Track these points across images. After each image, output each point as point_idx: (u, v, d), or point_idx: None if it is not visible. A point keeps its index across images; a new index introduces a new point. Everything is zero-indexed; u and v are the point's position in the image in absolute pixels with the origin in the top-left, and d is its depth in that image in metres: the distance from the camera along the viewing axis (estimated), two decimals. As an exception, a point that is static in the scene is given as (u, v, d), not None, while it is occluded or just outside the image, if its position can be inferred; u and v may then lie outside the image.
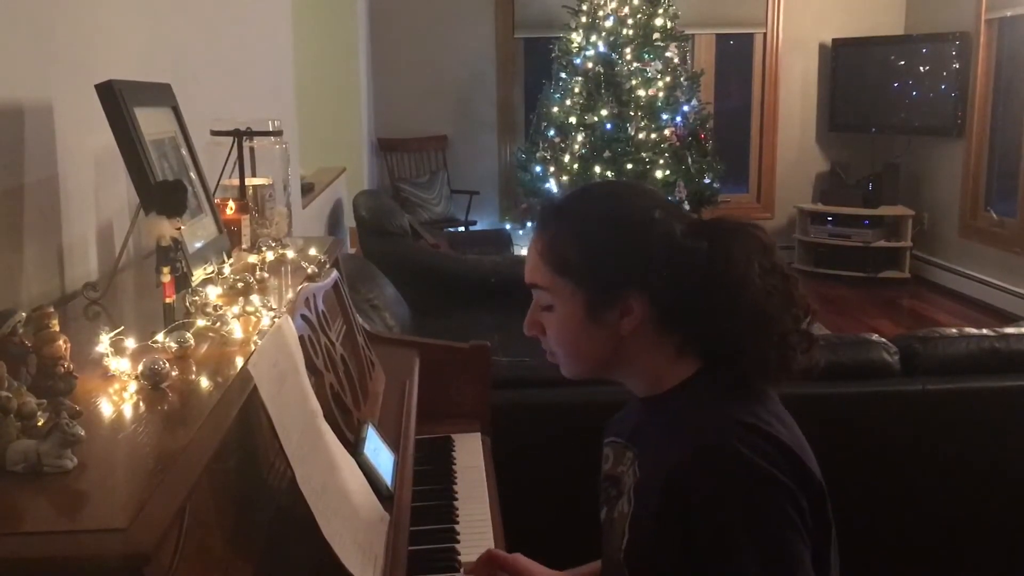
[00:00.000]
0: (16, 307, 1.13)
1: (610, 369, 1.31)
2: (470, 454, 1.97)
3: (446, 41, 7.48)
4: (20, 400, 0.94)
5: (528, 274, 1.30)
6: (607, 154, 6.42)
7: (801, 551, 1.14)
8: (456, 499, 1.76)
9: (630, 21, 6.47)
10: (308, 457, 1.16)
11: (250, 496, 1.12)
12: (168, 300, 1.35)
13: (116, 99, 1.45)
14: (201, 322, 1.33)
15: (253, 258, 1.80)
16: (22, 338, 1.07)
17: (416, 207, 6.96)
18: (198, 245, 1.60)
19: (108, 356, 1.14)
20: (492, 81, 7.60)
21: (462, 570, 1.50)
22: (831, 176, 7.49)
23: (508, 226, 7.15)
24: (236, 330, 1.32)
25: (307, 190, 4.69)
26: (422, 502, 1.67)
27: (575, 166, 6.48)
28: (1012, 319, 5.31)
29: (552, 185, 6.50)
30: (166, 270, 1.34)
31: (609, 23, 6.48)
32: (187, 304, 1.38)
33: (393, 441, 1.57)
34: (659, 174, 6.37)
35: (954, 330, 2.56)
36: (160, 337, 1.23)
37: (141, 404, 1.07)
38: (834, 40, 7.42)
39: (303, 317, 1.45)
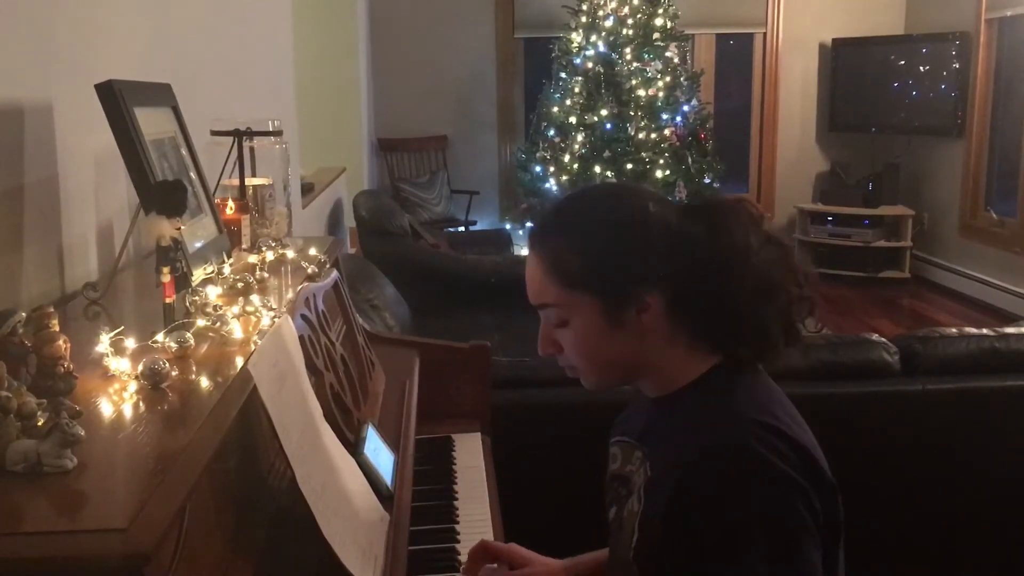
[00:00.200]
0: (16, 307, 1.13)
1: (634, 372, 1.30)
2: (470, 454, 1.97)
3: (446, 41, 7.48)
4: (20, 400, 0.94)
5: (535, 296, 1.28)
6: (607, 154, 6.42)
7: (812, 554, 1.14)
8: (456, 499, 1.76)
9: (630, 21, 6.48)
10: (308, 457, 1.16)
11: (250, 496, 1.12)
12: (168, 300, 1.35)
13: (116, 99, 1.45)
14: (201, 322, 1.33)
15: (253, 258, 1.80)
16: (22, 338, 1.07)
17: (416, 207, 6.96)
18: (198, 245, 1.60)
19: (108, 356, 1.14)
20: (492, 81, 7.60)
21: (462, 570, 1.50)
22: (831, 176, 7.49)
23: (508, 226, 7.15)
24: (236, 330, 1.32)
25: (307, 190, 4.69)
26: (422, 502, 1.67)
27: (575, 166, 6.48)
28: (1012, 319, 5.31)
29: (552, 185, 6.51)
30: (166, 270, 1.34)
31: (609, 23, 6.48)
32: (187, 304, 1.38)
33: (393, 441, 1.57)
34: (659, 174, 6.37)
35: (954, 330, 2.56)
36: (160, 337, 1.23)
37: (141, 404, 1.07)
38: (834, 40, 7.42)
39: (303, 317, 1.45)
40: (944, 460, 2.43)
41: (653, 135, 6.42)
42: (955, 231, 6.80)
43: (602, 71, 6.51)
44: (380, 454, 1.46)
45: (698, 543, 1.14)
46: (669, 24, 6.56)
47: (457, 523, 1.67)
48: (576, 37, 6.61)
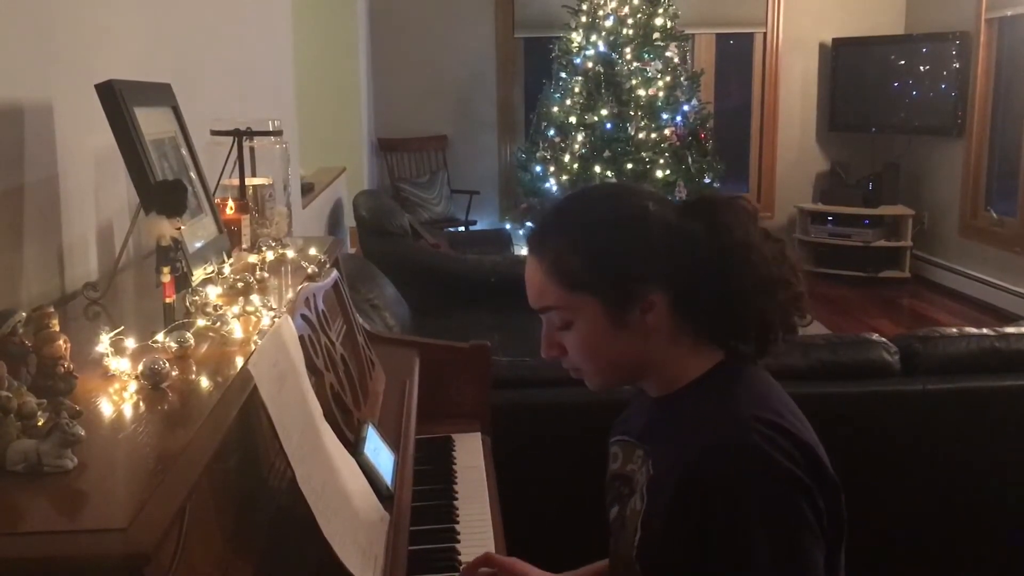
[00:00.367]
0: (16, 307, 1.13)
1: (639, 372, 1.30)
2: (470, 454, 1.97)
3: (446, 41, 7.48)
4: (20, 400, 0.94)
5: (536, 299, 1.28)
6: (607, 154, 6.42)
7: (814, 552, 1.14)
8: (456, 499, 1.76)
9: (630, 21, 6.48)
10: (308, 457, 1.16)
11: (250, 496, 1.12)
12: (168, 300, 1.35)
13: (116, 99, 1.45)
14: (201, 322, 1.33)
15: (253, 258, 1.80)
16: (22, 338, 1.07)
17: (416, 207, 6.96)
18: (198, 245, 1.60)
19: (108, 356, 1.14)
20: (492, 81, 7.60)
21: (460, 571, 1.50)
22: (831, 176, 7.49)
23: (508, 226, 7.15)
24: (236, 330, 1.32)
25: (307, 190, 4.69)
26: (422, 502, 1.67)
27: (575, 166, 6.48)
28: (1012, 318, 5.31)
29: (552, 185, 6.51)
30: (166, 270, 1.34)
31: (609, 23, 6.48)
32: (187, 304, 1.38)
33: (393, 441, 1.57)
34: (659, 174, 6.37)
35: (954, 330, 2.56)
36: (160, 337, 1.23)
37: (141, 404, 1.07)
38: (834, 40, 7.42)
39: (303, 317, 1.45)
40: (944, 460, 2.43)
41: (653, 135, 6.42)
42: (955, 231, 6.80)
43: (602, 71, 6.51)
44: (380, 454, 1.46)
45: (701, 541, 1.14)
46: (669, 24, 6.56)
47: (457, 523, 1.67)
48: (576, 37, 6.61)
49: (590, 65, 6.52)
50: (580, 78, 6.56)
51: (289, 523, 1.13)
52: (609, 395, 1.38)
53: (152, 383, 1.10)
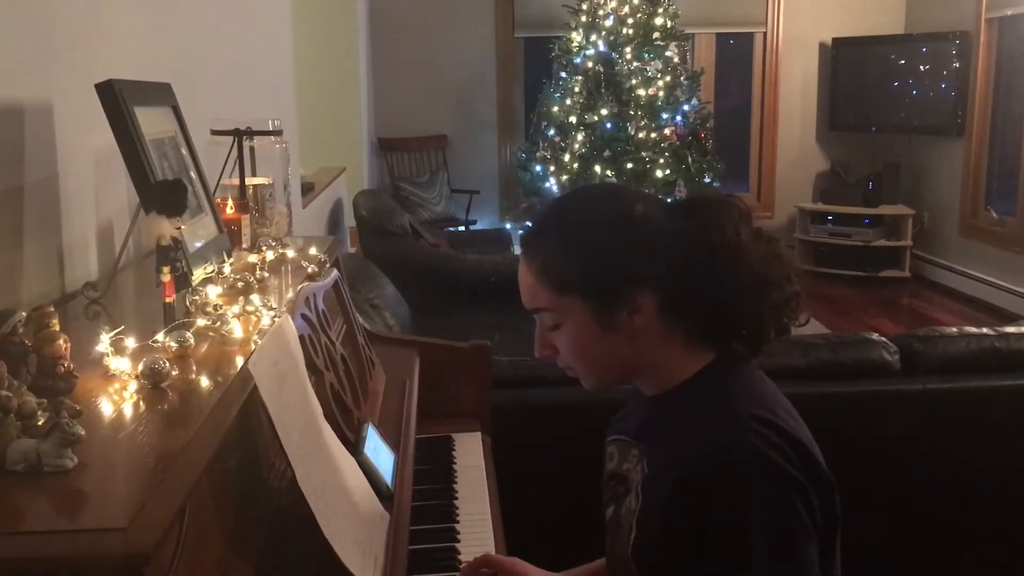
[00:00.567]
0: (16, 307, 1.13)
1: (630, 372, 1.31)
2: (470, 453, 1.97)
3: (446, 41, 7.48)
4: (20, 399, 0.94)
5: (528, 300, 1.29)
6: (607, 153, 6.42)
7: (810, 550, 1.15)
8: (456, 498, 1.76)
9: (630, 20, 6.48)
10: (308, 456, 1.16)
11: (250, 496, 1.12)
12: (168, 300, 1.35)
13: (116, 98, 1.45)
14: (201, 321, 1.33)
15: (253, 257, 1.80)
16: (22, 338, 1.07)
17: (416, 206, 6.96)
18: (198, 244, 1.60)
19: (108, 356, 1.14)
20: (492, 80, 7.61)
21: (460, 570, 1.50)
22: (831, 175, 7.49)
23: (508, 226, 7.15)
24: (236, 329, 1.32)
25: (307, 190, 4.69)
26: (422, 501, 1.67)
27: (575, 165, 6.48)
28: (1012, 318, 5.31)
29: (552, 184, 6.51)
30: (166, 269, 1.34)
31: (609, 22, 6.48)
32: (187, 303, 1.38)
33: (393, 440, 1.57)
34: (659, 173, 6.37)
35: (954, 329, 2.56)
36: (160, 337, 1.23)
37: (141, 404, 1.07)
38: (834, 39, 7.42)
39: (303, 316, 1.45)
40: (944, 459, 2.43)
41: (653, 134, 6.42)
42: (955, 230, 6.80)
43: (602, 70, 6.51)
44: (380, 453, 1.46)
45: (697, 540, 1.14)
46: (669, 23, 6.56)
47: (457, 522, 1.67)
48: (576, 36, 6.61)
49: (590, 65, 6.52)
50: (580, 78, 6.56)
51: (289, 523, 1.13)
52: (609, 394, 1.38)
53: (152, 383, 1.10)
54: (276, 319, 1.33)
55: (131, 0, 2.02)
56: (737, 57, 7.84)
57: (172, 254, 1.35)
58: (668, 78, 6.48)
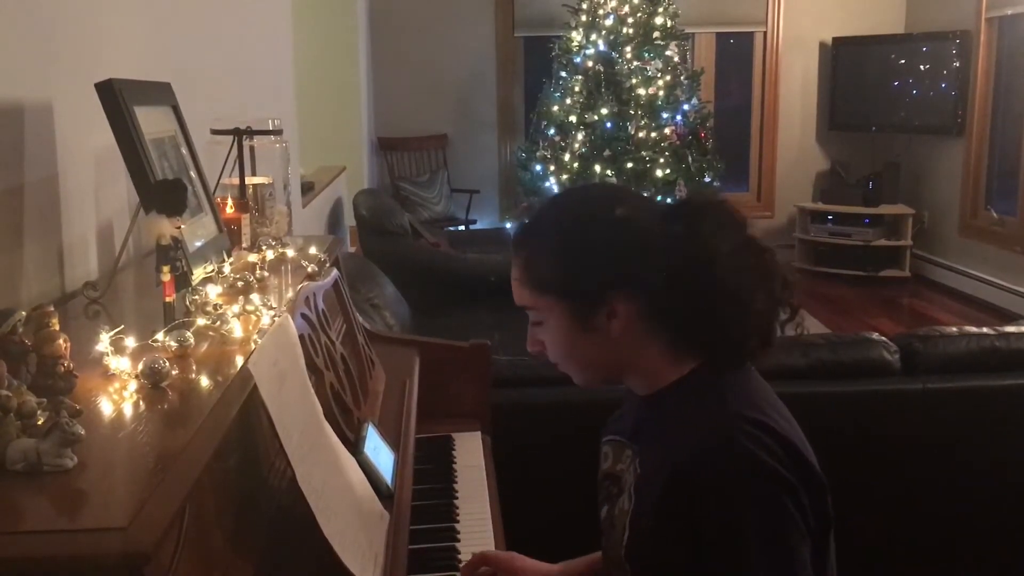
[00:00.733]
0: (16, 306, 1.13)
1: (614, 372, 1.31)
2: (470, 453, 1.97)
3: (446, 40, 7.48)
4: (20, 399, 0.94)
5: (516, 298, 1.32)
6: (607, 153, 6.42)
7: (802, 550, 1.15)
8: (456, 498, 1.76)
9: (630, 20, 6.47)
10: (308, 456, 1.16)
11: (250, 495, 1.12)
12: (168, 299, 1.35)
13: (116, 98, 1.45)
14: (201, 321, 1.33)
15: (253, 257, 1.80)
16: (22, 337, 1.07)
17: (416, 206, 6.96)
18: (198, 244, 1.60)
19: (108, 355, 1.14)
20: (492, 80, 7.60)
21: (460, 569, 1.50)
22: (831, 175, 7.49)
23: (508, 225, 7.13)
24: (236, 329, 1.32)
25: (307, 189, 4.69)
26: (422, 501, 1.67)
27: (575, 165, 6.48)
28: (1012, 318, 5.31)
29: (552, 184, 6.50)
30: (166, 269, 1.34)
31: (609, 22, 6.48)
32: (187, 303, 1.38)
33: (393, 440, 1.57)
34: (659, 173, 6.37)
35: (954, 329, 2.56)
36: (160, 336, 1.23)
37: (141, 403, 1.07)
38: (834, 39, 7.42)
39: (303, 316, 1.45)
40: (944, 459, 2.43)
41: (653, 134, 6.42)
42: (955, 230, 6.80)
43: (602, 70, 6.51)
44: (380, 453, 1.46)
45: (689, 541, 1.14)
46: (669, 23, 6.55)
47: (457, 522, 1.67)
48: (576, 36, 6.61)
49: (590, 64, 6.52)
50: (580, 77, 6.56)
51: (289, 522, 1.13)
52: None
53: (152, 382, 1.10)
54: (276, 318, 1.33)
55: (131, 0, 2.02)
56: (737, 56, 7.84)
57: (172, 253, 1.35)
58: (668, 77, 6.48)
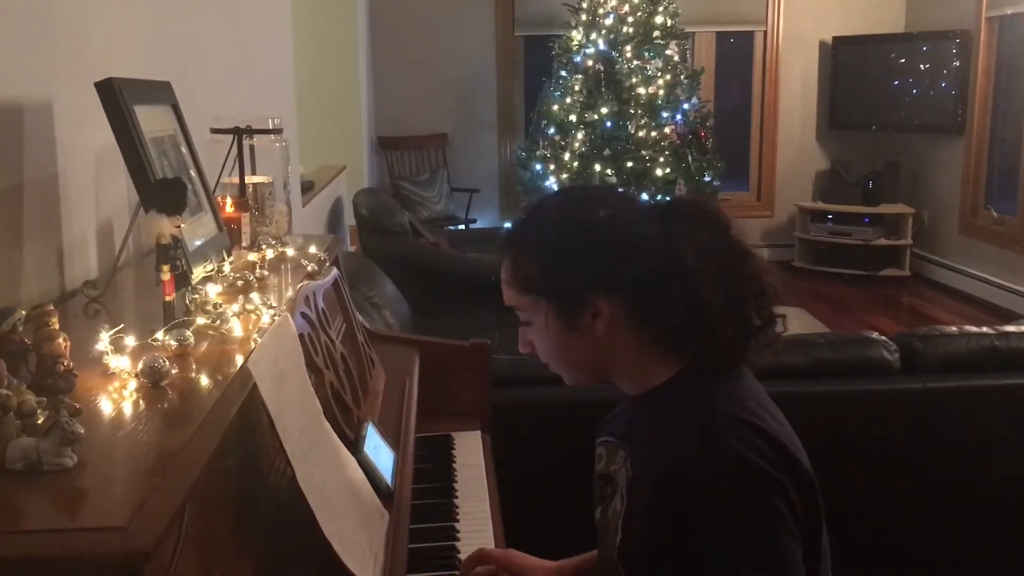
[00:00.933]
0: (16, 305, 1.13)
1: (603, 372, 1.32)
2: (470, 452, 1.97)
3: (446, 39, 7.48)
4: (20, 398, 0.94)
5: (505, 299, 1.33)
6: (607, 152, 6.42)
7: (792, 547, 1.15)
8: (456, 497, 1.76)
9: (630, 19, 6.47)
10: (308, 455, 1.16)
11: (250, 494, 1.12)
12: (168, 298, 1.34)
13: (116, 97, 1.45)
14: (201, 320, 1.33)
15: (253, 256, 1.80)
16: (22, 336, 1.07)
17: (416, 205, 6.96)
18: (198, 243, 1.60)
19: (108, 354, 1.14)
20: (492, 79, 7.60)
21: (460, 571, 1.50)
22: (831, 174, 7.49)
23: (508, 224, 7.14)
24: (236, 328, 1.32)
25: (307, 188, 4.69)
26: (422, 500, 1.67)
27: (575, 164, 6.48)
28: (1012, 317, 5.31)
29: (552, 183, 6.50)
30: (166, 268, 1.34)
31: (609, 21, 6.48)
32: (187, 302, 1.38)
33: (393, 439, 1.57)
34: (659, 172, 6.37)
35: (954, 328, 2.56)
36: (160, 335, 1.23)
37: (141, 402, 1.07)
38: (834, 38, 7.42)
39: (303, 315, 1.45)
40: (944, 458, 2.43)
41: (653, 133, 6.42)
42: (955, 229, 6.80)
43: (602, 69, 6.51)
44: (380, 452, 1.46)
45: (679, 542, 1.15)
46: (669, 22, 6.55)
47: (457, 521, 1.67)
48: (576, 35, 6.61)
49: (590, 63, 6.52)
50: (580, 76, 6.56)
51: (289, 522, 1.13)
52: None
53: (152, 381, 1.10)
54: (276, 318, 1.33)
55: (131, -2, 2.02)
56: (737, 56, 7.84)
57: (172, 252, 1.35)
58: (668, 77, 6.48)
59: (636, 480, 1.23)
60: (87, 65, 1.69)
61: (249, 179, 2.06)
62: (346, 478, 1.28)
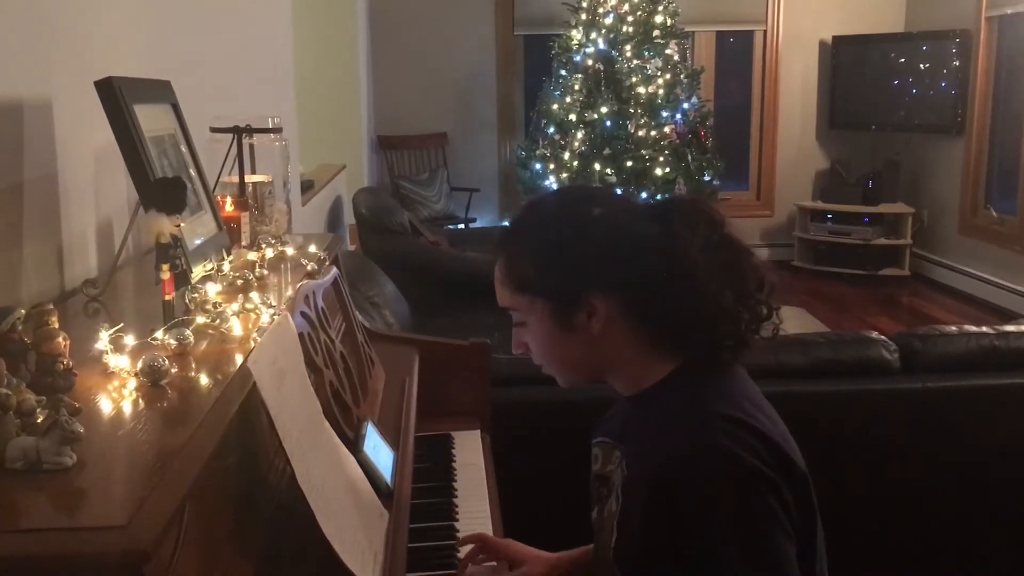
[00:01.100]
0: (16, 304, 1.13)
1: (597, 372, 1.32)
2: (470, 451, 1.97)
3: (446, 39, 7.47)
4: (19, 397, 0.94)
5: (498, 299, 1.33)
6: (607, 151, 6.42)
7: (786, 546, 1.15)
8: (456, 496, 1.76)
9: (630, 18, 6.47)
10: (308, 454, 1.16)
11: (250, 493, 1.12)
12: (168, 297, 1.34)
13: (116, 96, 1.45)
14: (201, 319, 1.33)
15: (253, 255, 1.80)
16: (21, 335, 1.07)
17: (416, 204, 6.96)
18: (198, 242, 1.60)
19: (107, 353, 1.14)
20: (492, 78, 7.60)
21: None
22: (831, 174, 7.49)
23: (508, 223, 7.13)
24: (236, 327, 1.32)
25: (307, 187, 4.69)
26: (422, 499, 1.67)
27: (575, 163, 6.48)
28: (1012, 317, 5.31)
29: (552, 182, 6.50)
30: (165, 267, 1.34)
31: (609, 20, 6.48)
32: (187, 301, 1.38)
33: (393, 438, 1.57)
34: (659, 172, 6.37)
35: (954, 328, 2.56)
36: (159, 334, 1.23)
37: (140, 401, 1.07)
38: (834, 37, 7.42)
39: (303, 314, 1.45)
40: (944, 458, 2.43)
41: (653, 133, 6.42)
42: (955, 229, 6.80)
43: (602, 68, 6.50)
44: (380, 452, 1.46)
45: (673, 541, 1.15)
46: (669, 21, 6.55)
47: (457, 520, 1.67)
48: (576, 34, 6.61)
49: (590, 62, 6.52)
50: (580, 76, 6.56)
51: (289, 521, 1.13)
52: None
53: (151, 380, 1.10)
54: (275, 317, 1.33)
55: (131, -3, 2.02)
56: (737, 55, 7.84)
57: (171, 252, 1.35)
58: (668, 76, 6.47)
59: (631, 480, 1.23)
60: (87, 64, 1.69)
61: (249, 178, 2.06)
62: (346, 477, 1.28)
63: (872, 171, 7.20)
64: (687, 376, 1.26)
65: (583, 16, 6.58)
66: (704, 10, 7.42)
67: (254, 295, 1.46)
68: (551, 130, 6.66)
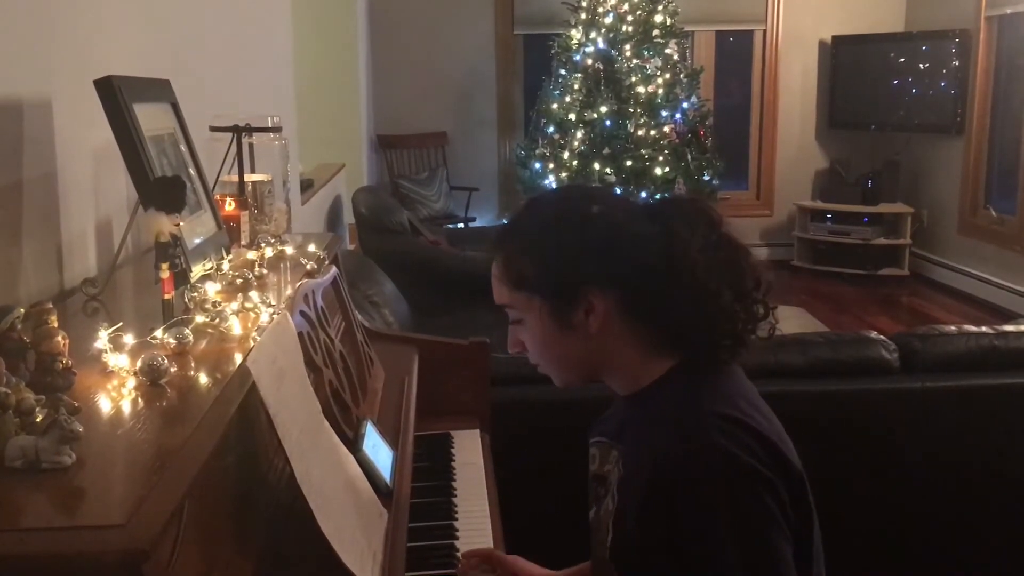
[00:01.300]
0: (15, 303, 1.13)
1: (594, 371, 1.32)
2: (469, 451, 1.97)
3: (446, 38, 7.47)
4: (19, 396, 0.94)
5: (495, 297, 1.33)
6: (606, 151, 6.42)
7: (782, 546, 1.15)
8: (455, 496, 1.76)
9: (630, 18, 6.47)
10: (307, 454, 1.16)
11: (249, 493, 1.12)
12: (167, 296, 1.34)
13: (115, 95, 1.45)
14: (200, 318, 1.33)
15: (252, 254, 1.80)
16: (21, 334, 1.07)
17: (415, 204, 6.96)
18: (197, 241, 1.60)
19: (107, 352, 1.14)
20: (492, 78, 7.60)
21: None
22: (831, 173, 7.49)
23: (507, 221, 7.13)
24: (235, 326, 1.32)
25: (306, 186, 4.69)
26: (421, 499, 1.67)
27: (574, 163, 6.48)
28: (1011, 317, 5.31)
29: (551, 182, 6.50)
30: (165, 266, 1.34)
31: (609, 20, 6.48)
32: (186, 300, 1.38)
33: (392, 438, 1.57)
34: (658, 171, 6.37)
35: (953, 328, 2.56)
36: (159, 333, 1.23)
37: (140, 400, 1.07)
38: (834, 37, 7.42)
39: (302, 314, 1.44)
40: (943, 458, 2.43)
41: (653, 132, 6.42)
42: (954, 229, 6.80)
43: (602, 68, 6.50)
44: (379, 451, 1.46)
45: (669, 540, 1.15)
46: (669, 21, 6.55)
47: (456, 520, 1.67)
48: (576, 34, 6.61)
49: (590, 62, 6.52)
50: (580, 75, 6.56)
51: (288, 520, 1.13)
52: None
53: (151, 379, 1.10)
54: (275, 316, 1.33)
55: (130, -4, 2.01)
56: (737, 55, 7.84)
57: (171, 251, 1.35)
58: (668, 75, 6.48)
59: (627, 479, 1.23)
60: (86, 63, 1.69)
61: (248, 177, 2.06)
62: (345, 476, 1.28)
63: (872, 171, 7.20)
64: (684, 375, 1.26)
65: (583, 15, 6.58)
66: (704, 10, 7.42)
67: (253, 294, 1.46)
68: (551, 129, 6.66)
